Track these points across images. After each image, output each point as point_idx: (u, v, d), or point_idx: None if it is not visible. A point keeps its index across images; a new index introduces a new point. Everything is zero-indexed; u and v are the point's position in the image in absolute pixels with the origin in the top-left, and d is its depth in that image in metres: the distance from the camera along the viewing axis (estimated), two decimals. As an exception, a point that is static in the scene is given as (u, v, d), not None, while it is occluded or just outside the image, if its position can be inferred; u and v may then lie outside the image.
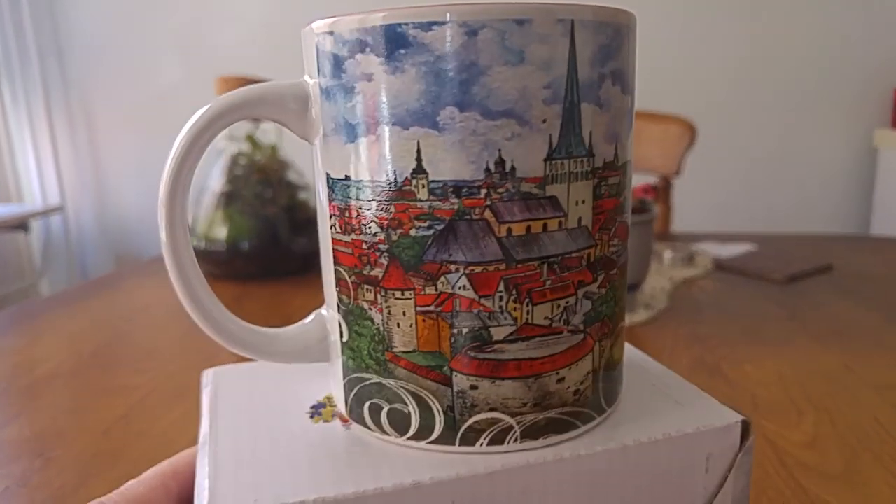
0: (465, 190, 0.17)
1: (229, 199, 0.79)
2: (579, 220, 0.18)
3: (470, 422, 0.19)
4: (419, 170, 0.17)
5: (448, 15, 0.16)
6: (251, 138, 0.83)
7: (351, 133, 0.18)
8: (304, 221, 0.82)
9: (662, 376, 0.24)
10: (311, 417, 0.22)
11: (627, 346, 0.27)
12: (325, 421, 0.21)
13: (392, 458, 0.19)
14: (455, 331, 0.18)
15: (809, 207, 1.91)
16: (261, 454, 0.19)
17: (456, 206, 0.17)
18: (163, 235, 0.19)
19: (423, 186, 0.18)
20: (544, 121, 0.17)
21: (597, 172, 0.18)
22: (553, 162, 0.18)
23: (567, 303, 0.19)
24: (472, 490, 0.18)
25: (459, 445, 0.19)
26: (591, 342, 0.20)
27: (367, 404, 0.20)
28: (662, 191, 1.14)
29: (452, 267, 0.18)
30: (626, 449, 0.20)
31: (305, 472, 0.18)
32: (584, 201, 0.18)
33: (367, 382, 0.20)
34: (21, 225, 1.97)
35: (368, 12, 0.17)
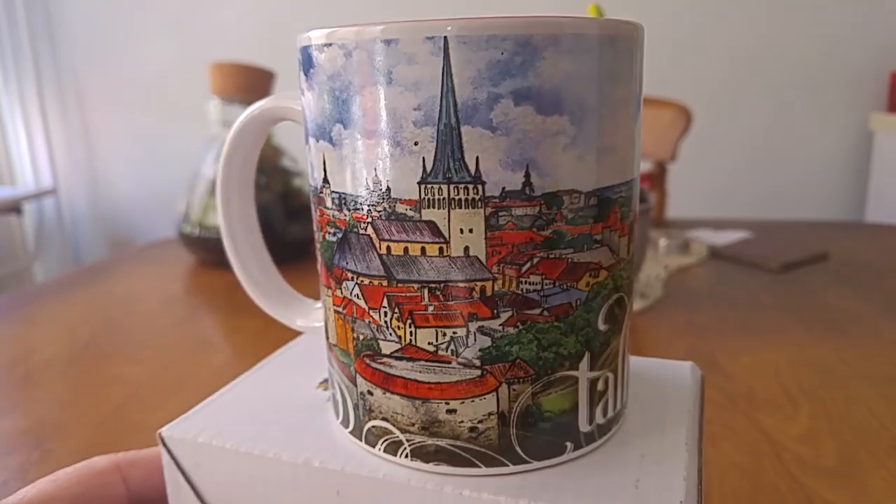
0: (352, 204, 0.18)
1: None
2: (466, 249, 0.17)
3: (369, 425, 0.20)
4: (325, 180, 0.19)
5: (331, 37, 0.17)
6: None
7: (304, 140, 0.20)
8: (299, 208, 0.80)
9: (670, 434, 0.20)
10: (318, 385, 0.25)
11: (675, 380, 0.23)
12: (324, 390, 0.24)
13: (319, 435, 0.21)
14: (355, 335, 0.19)
15: (804, 192, 1.89)
16: (250, 405, 0.24)
17: (348, 219, 0.18)
18: (220, 212, 0.25)
19: (328, 196, 0.19)
20: (416, 143, 0.17)
21: (490, 201, 0.17)
22: (428, 186, 0.17)
23: (455, 333, 0.18)
24: (354, 486, 0.19)
25: (364, 443, 0.20)
26: (494, 382, 0.18)
27: (328, 383, 0.22)
28: (657, 177, 1.11)
29: (349, 275, 0.19)
30: (520, 509, 0.18)
31: (255, 427, 0.22)
32: (471, 230, 0.17)
33: (328, 364, 0.22)
34: (14, 208, 1.98)
35: (308, 32, 0.19)
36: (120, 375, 0.49)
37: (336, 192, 0.18)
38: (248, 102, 0.76)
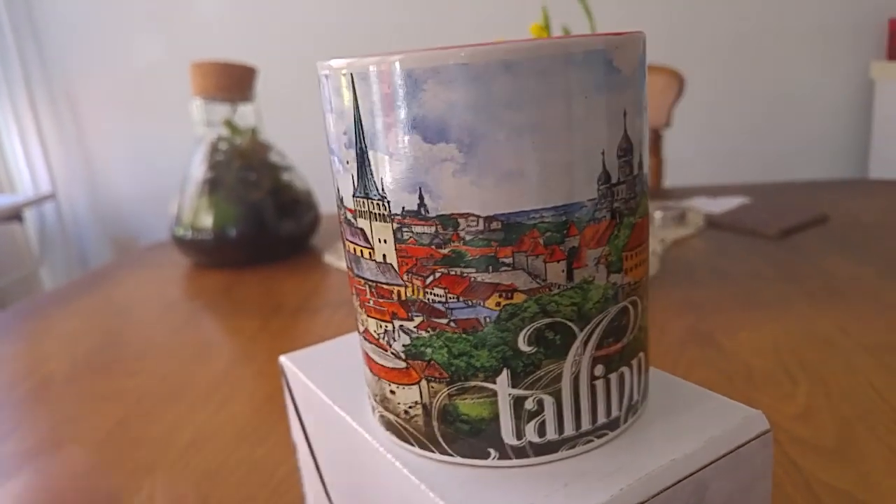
0: (337, 203, 0.22)
1: (213, 186, 0.75)
2: (384, 256, 0.20)
3: (365, 388, 0.24)
4: (335, 183, 0.23)
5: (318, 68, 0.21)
6: (229, 123, 0.76)
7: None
8: (290, 203, 0.77)
9: (624, 477, 0.19)
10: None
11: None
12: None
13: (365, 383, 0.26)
14: (355, 314, 0.23)
15: (806, 149, 1.85)
16: (351, 354, 0.29)
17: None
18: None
19: (337, 196, 0.23)
20: (348, 162, 0.20)
21: (395, 218, 0.19)
22: (357, 199, 0.20)
23: (386, 327, 0.20)
24: (348, 432, 0.24)
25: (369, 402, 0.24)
26: (416, 376, 0.20)
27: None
28: (652, 144, 1.12)
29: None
30: (419, 491, 0.20)
31: (335, 371, 0.28)
32: (385, 241, 0.19)
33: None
34: (15, 215, 1.97)
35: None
36: (119, 389, 0.51)
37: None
38: (231, 101, 0.75)
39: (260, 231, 0.78)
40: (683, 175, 1.40)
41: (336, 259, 0.79)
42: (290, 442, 0.31)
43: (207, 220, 0.77)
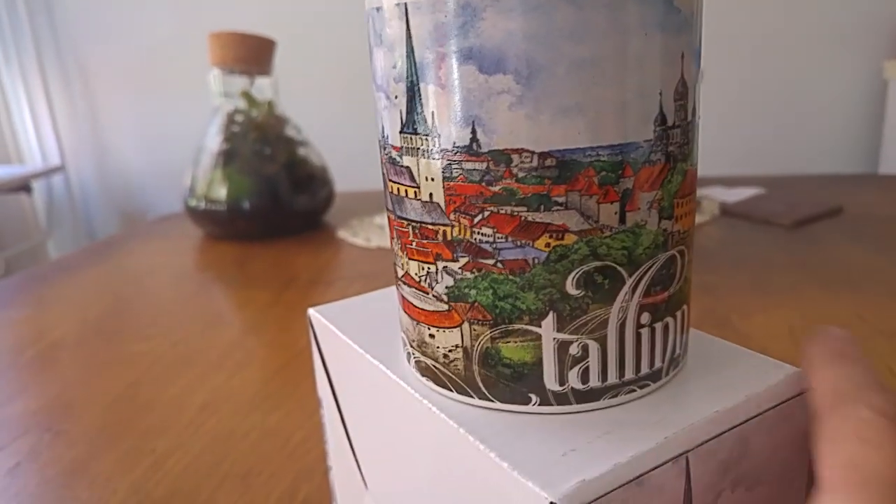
0: (381, 142, 0.21)
1: (228, 158, 0.76)
2: (430, 195, 0.19)
3: (400, 334, 0.23)
4: (377, 126, 0.22)
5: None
6: (247, 94, 0.76)
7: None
8: (305, 178, 0.78)
9: (663, 429, 0.19)
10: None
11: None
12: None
13: (401, 330, 0.26)
14: (392, 257, 0.23)
15: (818, 144, 1.85)
16: (383, 306, 0.29)
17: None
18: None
19: (378, 139, 0.22)
20: (396, 97, 0.19)
21: (445, 154, 0.18)
22: (404, 135, 0.19)
23: (429, 269, 0.20)
24: (381, 379, 0.24)
25: (402, 349, 0.24)
26: (458, 319, 0.20)
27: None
28: None
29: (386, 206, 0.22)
30: (458, 435, 0.20)
31: (366, 322, 0.27)
32: (432, 179, 0.19)
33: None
34: (23, 186, 1.98)
35: None
36: (131, 354, 0.51)
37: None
38: (249, 73, 0.74)
39: (274, 204, 0.78)
40: (699, 165, 1.41)
41: (350, 235, 0.78)
42: (309, 405, 0.30)
43: (221, 192, 0.77)
